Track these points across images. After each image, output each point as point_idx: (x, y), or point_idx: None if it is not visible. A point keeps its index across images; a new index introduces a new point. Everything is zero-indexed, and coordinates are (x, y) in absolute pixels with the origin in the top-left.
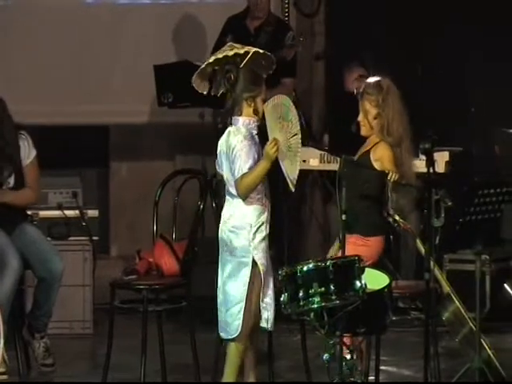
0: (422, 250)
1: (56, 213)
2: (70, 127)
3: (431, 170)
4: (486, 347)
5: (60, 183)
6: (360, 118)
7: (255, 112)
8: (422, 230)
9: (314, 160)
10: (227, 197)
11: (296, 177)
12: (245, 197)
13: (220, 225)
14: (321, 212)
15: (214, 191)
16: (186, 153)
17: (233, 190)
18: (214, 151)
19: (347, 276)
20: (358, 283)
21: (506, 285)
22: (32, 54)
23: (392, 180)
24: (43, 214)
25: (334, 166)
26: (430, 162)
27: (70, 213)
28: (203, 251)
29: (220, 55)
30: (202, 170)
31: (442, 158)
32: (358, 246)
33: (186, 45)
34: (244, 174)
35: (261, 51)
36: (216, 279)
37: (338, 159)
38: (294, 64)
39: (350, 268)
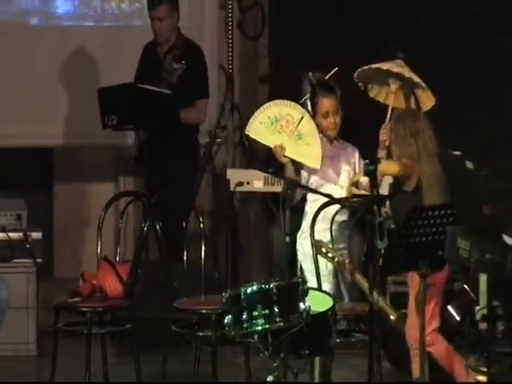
0: (364, 284)
1: (0, 235)
2: (14, 149)
3: (375, 192)
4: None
5: (4, 205)
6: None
7: None
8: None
9: (259, 182)
10: None
11: (320, 154)
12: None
13: (299, 239)
14: (264, 234)
15: (157, 213)
16: (130, 175)
17: None
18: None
19: (291, 298)
20: (301, 305)
21: (449, 307)
22: None
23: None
24: None
25: (278, 188)
26: (374, 184)
27: (13, 235)
28: (147, 273)
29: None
30: (145, 192)
31: (385, 180)
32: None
33: (130, 67)
34: None
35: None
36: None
37: (282, 181)
38: (206, 85)
39: (294, 290)
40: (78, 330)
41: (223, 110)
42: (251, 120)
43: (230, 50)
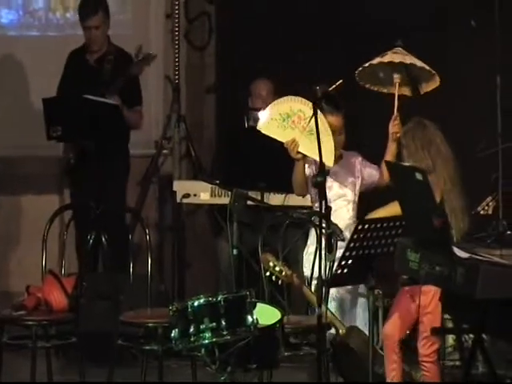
0: (311, 297)
1: None
2: None
3: (324, 204)
4: None
5: None
6: None
7: None
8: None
9: (205, 194)
10: None
11: (333, 151)
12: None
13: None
14: (211, 246)
15: (105, 225)
16: None
17: None
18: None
19: (239, 311)
20: (249, 318)
21: None
22: None
23: None
24: None
25: (225, 200)
26: (323, 196)
27: None
28: (92, 286)
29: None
30: (91, 203)
31: None
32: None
33: None
34: None
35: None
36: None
37: (229, 193)
38: (141, 92)
39: (242, 303)
40: (22, 344)
41: (169, 120)
42: (261, 122)
43: (177, 60)
